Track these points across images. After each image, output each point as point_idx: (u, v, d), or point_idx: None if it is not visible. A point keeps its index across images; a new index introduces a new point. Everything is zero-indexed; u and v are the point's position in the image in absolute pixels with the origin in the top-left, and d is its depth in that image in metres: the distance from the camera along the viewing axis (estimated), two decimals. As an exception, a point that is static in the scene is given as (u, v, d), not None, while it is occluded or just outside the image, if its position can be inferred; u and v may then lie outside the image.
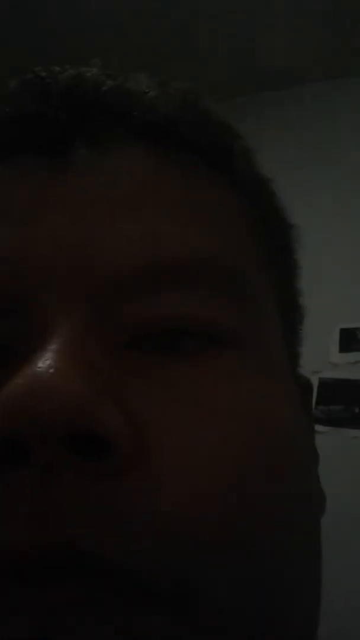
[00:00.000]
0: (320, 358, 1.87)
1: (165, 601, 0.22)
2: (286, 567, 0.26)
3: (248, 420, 0.26)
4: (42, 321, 0.25)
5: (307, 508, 0.28)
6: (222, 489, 0.24)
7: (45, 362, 0.23)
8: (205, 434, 0.24)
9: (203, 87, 0.34)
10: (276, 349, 0.31)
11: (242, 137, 0.35)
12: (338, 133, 2.08)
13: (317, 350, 1.76)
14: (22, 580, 0.22)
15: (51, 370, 0.22)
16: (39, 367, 0.22)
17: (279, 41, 1.93)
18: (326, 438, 1.69)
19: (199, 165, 0.31)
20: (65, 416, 0.21)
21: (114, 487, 0.22)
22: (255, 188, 0.34)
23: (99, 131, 0.30)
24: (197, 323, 0.27)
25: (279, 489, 0.26)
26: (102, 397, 0.23)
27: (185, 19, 1.84)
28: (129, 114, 0.31)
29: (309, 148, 2.09)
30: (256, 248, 0.32)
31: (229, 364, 0.27)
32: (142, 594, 0.22)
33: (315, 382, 1.84)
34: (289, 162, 1.95)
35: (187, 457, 0.24)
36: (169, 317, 0.26)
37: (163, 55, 1.82)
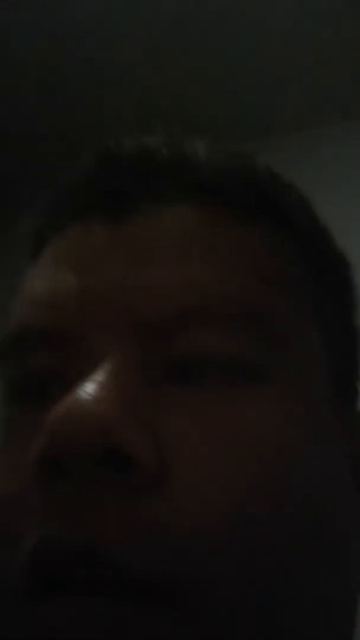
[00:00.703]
0: None
1: (173, 611, 0.25)
2: (296, 603, 0.28)
3: (268, 451, 0.28)
4: (90, 355, 0.29)
5: (326, 538, 0.30)
6: (231, 517, 0.27)
7: (86, 390, 0.27)
8: (223, 464, 0.27)
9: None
10: (314, 387, 0.33)
11: (297, 189, 0.37)
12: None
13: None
14: (55, 569, 0.26)
15: (90, 398, 0.26)
16: (78, 395, 0.27)
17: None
18: None
19: (247, 219, 0.34)
20: (96, 438, 0.25)
21: (137, 499, 0.26)
22: (307, 238, 0.36)
23: (156, 192, 0.34)
24: (225, 359, 0.30)
25: (291, 516, 0.28)
26: (132, 421, 0.27)
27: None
28: (184, 177, 0.35)
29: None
30: (300, 295, 0.34)
31: (256, 398, 0.29)
32: (149, 602, 0.25)
33: None
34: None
35: (204, 483, 0.27)
36: (200, 352, 0.30)
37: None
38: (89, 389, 0.27)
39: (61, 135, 1.83)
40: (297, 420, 0.30)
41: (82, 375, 0.28)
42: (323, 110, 1.87)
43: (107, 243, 0.33)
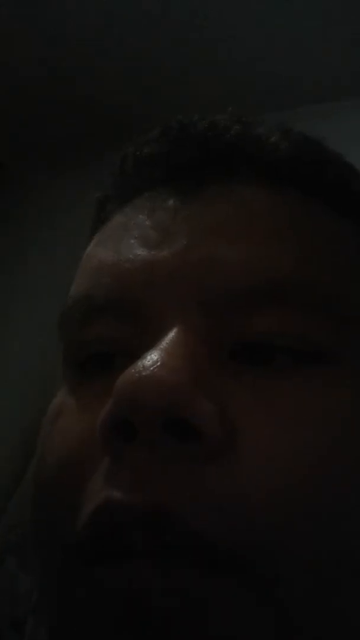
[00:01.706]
0: None
1: (233, 572, 0.25)
2: (353, 568, 0.28)
3: (332, 430, 0.28)
4: (155, 327, 0.29)
5: None
6: (296, 494, 0.26)
7: (154, 357, 0.27)
8: (288, 437, 0.27)
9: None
10: None
11: None
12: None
13: None
14: (119, 532, 0.26)
15: (158, 364, 0.27)
16: (148, 361, 0.27)
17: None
18: None
19: (316, 202, 0.34)
20: (165, 405, 0.26)
21: (202, 467, 0.26)
22: None
23: (226, 169, 0.34)
24: (293, 340, 0.29)
25: (353, 495, 0.28)
26: (200, 391, 0.27)
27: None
28: (253, 155, 0.35)
29: None
30: None
31: (321, 380, 0.29)
32: (211, 562, 0.25)
33: None
34: None
35: (269, 454, 0.27)
36: (266, 333, 0.29)
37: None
38: (157, 356, 0.27)
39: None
40: None
41: (146, 345, 0.28)
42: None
43: (175, 216, 0.33)
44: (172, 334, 0.29)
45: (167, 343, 0.28)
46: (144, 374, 0.26)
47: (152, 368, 0.26)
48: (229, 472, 0.26)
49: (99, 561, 0.26)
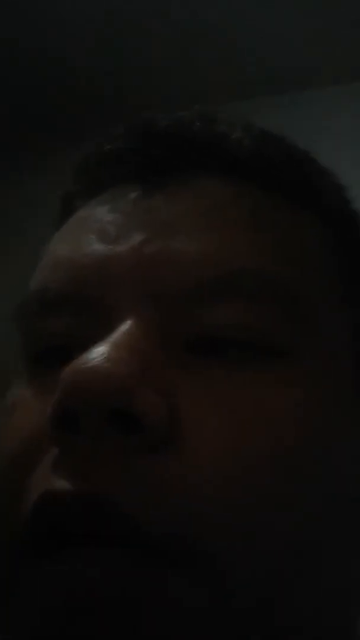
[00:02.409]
0: None
1: (169, 562, 0.26)
2: (301, 557, 0.28)
3: (279, 423, 0.28)
4: (108, 320, 0.29)
5: (334, 515, 0.30)
6: (236, 484, 0.27)
7: (100, 349, 0.27)
8: (233, 430, 0.28)
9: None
10: (340, 371, 0.32)
11: (330, 173, 0.38)
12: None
13: None
14: (59, 521, 0.26)
15: (104, 356, 0.27)
16: (94, 353, 0.27)
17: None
18: None
19: (278, 197, 0.34)
20: (108, 395, 0.26)
21: (143, 458, 0.26)
22: (339, 220, 0.36)
23: (189, 165, 0.35)
24: (246, 334, 0.30)
25: (295, 485, 0.28)
26: (145, 383, 0.27)
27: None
28: (215, 151, 0.35)
29: None
30: (332, 275, 0.34)
31: (272, 376, 0.29)
32: (147, 550, 0.25)
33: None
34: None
35: (211, 446, 0.27)
36: (220, 327, 0.30)
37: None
38: (103, 347, 0.27)
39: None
40: (314, 402, 0.30)
41: (99, 338, 0.29)
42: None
43: (134, 211, 0.33)
44: (122, 327, 0.29)
45: (116, 336, 0.28)
46: (88, 365, 0.27)
47: (97, 359, 0.27)
48: (170, 462, 0.27)
49: (42, 550, 0.26)
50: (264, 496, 0.27)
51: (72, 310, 0.31)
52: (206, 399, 0.28)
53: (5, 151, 1.85)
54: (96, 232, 0.33)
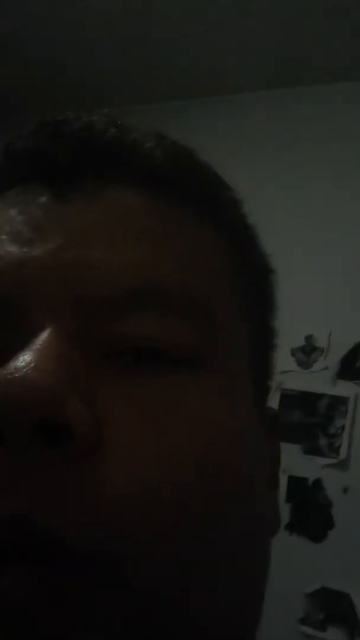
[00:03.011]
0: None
1: (97, 573, 0.25)
2: (215, 564, 0.29)
3: (196, 431, 0.29)
4: (31, 327, 0.29)
5: (243, 518, 0.31)
6: (159, 485, 0.27)
7: (26, 358, 0.27)
8: (154, 438, 0.28)
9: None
10: (240, 376, 0.34)
11: (231, 187, 0.39)
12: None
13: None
14: None
15: (31, 366, 0.26)
16: (20, 362, 0.26)
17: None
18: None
19: (186, 209, 0.35)
20: (33, 406, 0.25)
21: (67, 470, 0.26)
22: (238, 234, 0.38)
23: (99, 171, 0.35)
24: (163, 344, 0.30)
25: (212, 494, 0.29)
26: (70, 392, 0.26)
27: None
28: (127, 159, 0.35)
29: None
30: (232, 286, 0.35)
31: (187, 382, 0.30)
32: (72, 566, 0.25)
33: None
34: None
35: (135, 454, 0.27)
36: (138, 336, 0.30)
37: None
38: (30, 357, 0.27)
39: None
40: (226, 407, 0.31)
41: (17, 346, 0.28)
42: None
43: (48, 214, 0.33)
44: (44, 335, 0.28)
45: (40, 344, 0.28)
46: (15, 375, 0.26)
47: (24, 370, 0.26)
48: (93, 473, 0.26)
49: None
50: (184, 502, 0.28)
51: None
52: (127, 409, 0.28)
53: None
54: (9, 234, 0.32)
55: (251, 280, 0.38)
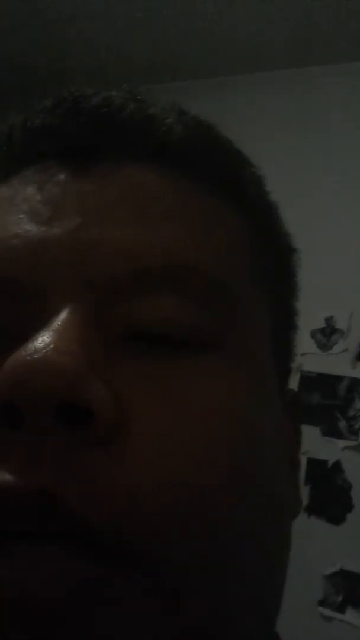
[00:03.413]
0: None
1: (117, 559, 0.25)
2: (238, 550, 0.28)
3: (217, 416, 0.29)
4: (48, 308, 0.28)
5: (265, 503, 0.30)
6: (183, 472, 0.27)
7: (44, 339, 0.26)
8: (174, 422, 0.28)
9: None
10: (260, 358, 0.34)
11: (253, 165, 0.38)
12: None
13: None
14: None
15: (50, 347, 0.26)
16: (39, 343, 0.26)
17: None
18: None
19: (206, 186, 0.35)
20: (55, 388, 0.25)
21: (91, 453, 0.26)
22: (260, 213, 0.37)
23: (119, 148, 0.34)
24: (182, 326, 0.30)
25: (235, 479, 0.28)
26: (91, 375, 0.26)
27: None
28: (146, 135, 0.35)
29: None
30: (252, 266, 0.35)
31: (206, 364, 0.30)
32: (94, 548, 0.25)
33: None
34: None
35: (156, 438, 0.27)
36: (157, 318, 0.29)
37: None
38: (49, 338, 0.26)
39: None
40: (246, 390, 0.31)
41: (35, 326, 0.27)
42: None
43: (66, 192, 0.32)
44: (62, 316, 0.28)
45: (58, 325, 0.27)
46: (35, 356, 0.25)
47: (43, 350, 0.26)
48: (117, 457, 0.26)
49: None
50: (206, 493, 0.27)
51: (6, 293, 0.30)
52: (143, 390, 0.28)
53: None
54: (27, 212, 0.31)
55: (273, 260, 0.37)
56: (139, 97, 0.36)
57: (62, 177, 0.33)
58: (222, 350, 0.31)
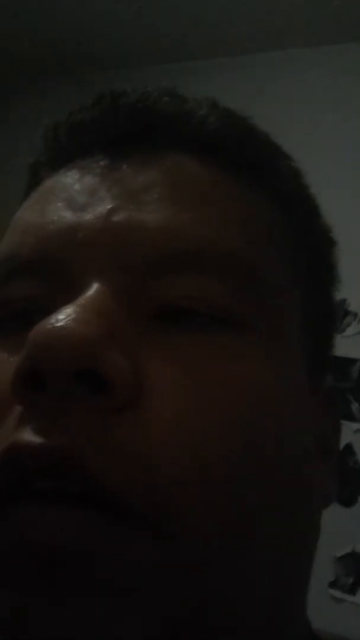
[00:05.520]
0: None
1: (130, 522, 0.26)
2: (251, 523, 0.29)
3: (238, 394, 0.30)
4: (78, 284, 0.30)
5: (284, 483, 0.31)
6: (200, 445, 0.28)
7: (68, 311, 0.28)
8: (193, 395, 0.29)
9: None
10: (289, 342, 0.34)
11: (289, 156, 0.38)
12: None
13: None
14: (25, 473, 0.26)
15: (71, 317, 0.27)
16: (62, 314, 0.28)
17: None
18: None
19: (238, 175, 0.36)
20: (76, 355, 0.26)
21: (109, 418, 0.27)
22: (297, 204, 0.38)
23: (155, 139, 0.35)
24: (210, 306, 0.31)
25: (252, 455, 0.29)
26: (112, 345, 0.28)
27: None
28: (181, 127, 0.36)
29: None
30: (286, 256, 0.35)
31: (232, 345, 0.31)
32: (109, 510, 0.26)
33: None
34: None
35: (175, 410, 0.28)
36: (186, 297, 0.31)
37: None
38: (71, 309, 0.28)
39: None
40: (273, 373, 0.32)
41: (65, 302, 0.29)
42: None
43: (102, 180, 0.33)
44: (89, 292, 0.29)
45: (83, 298, 0.29)
46: (56, 325, 0.27)
47: (65, 320, 0.27)
48: (135, 424, 0.27)
49: (5, 503, 0.27)
50: (221, 458, 0.28)
51: (39, 275, 0.32)
52: (168, 365, 0.29)
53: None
54: (64, 201, 0.33)
55: (309, 252, 0.37)
56: (174, 92, 0.38)
57: (100, 166, 0.35)
58: (251, 333, 0.31)
